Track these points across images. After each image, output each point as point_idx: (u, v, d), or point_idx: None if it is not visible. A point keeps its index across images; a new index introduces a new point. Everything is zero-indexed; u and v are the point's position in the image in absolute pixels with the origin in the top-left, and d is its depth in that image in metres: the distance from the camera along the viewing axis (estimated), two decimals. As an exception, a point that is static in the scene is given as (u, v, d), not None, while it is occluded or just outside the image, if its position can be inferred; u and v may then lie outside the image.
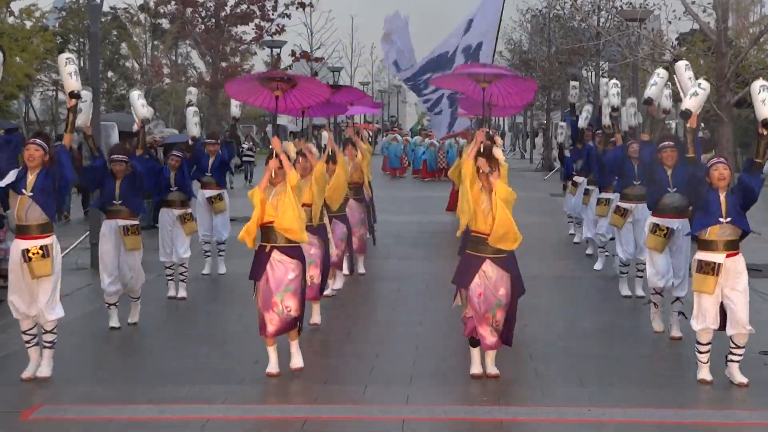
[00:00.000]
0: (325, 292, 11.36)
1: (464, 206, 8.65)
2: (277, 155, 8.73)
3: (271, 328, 8.72)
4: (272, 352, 8.85)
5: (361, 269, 14.23)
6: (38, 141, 8.83)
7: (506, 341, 8.74)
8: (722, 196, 8.54)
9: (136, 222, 10.84)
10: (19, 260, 8.69)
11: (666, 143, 10.26)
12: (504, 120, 74.20)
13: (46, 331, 8.84)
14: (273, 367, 8.81)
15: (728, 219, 8.51)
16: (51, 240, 8.76)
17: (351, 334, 10.68)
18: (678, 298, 10.30)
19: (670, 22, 18.25)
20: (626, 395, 8.33)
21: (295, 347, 8.97)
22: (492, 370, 8.75)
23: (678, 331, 10.25)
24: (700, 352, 8.66)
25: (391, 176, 37.21)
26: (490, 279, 8.60)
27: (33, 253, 8.62)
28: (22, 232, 8.72)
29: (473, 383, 8.59)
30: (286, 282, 8.73)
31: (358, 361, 9.48)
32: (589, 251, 15.76)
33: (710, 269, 8.51)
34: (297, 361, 8.96)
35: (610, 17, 30.53)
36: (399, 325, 11.09)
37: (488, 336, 8.63)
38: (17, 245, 8.72)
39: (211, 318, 11.67)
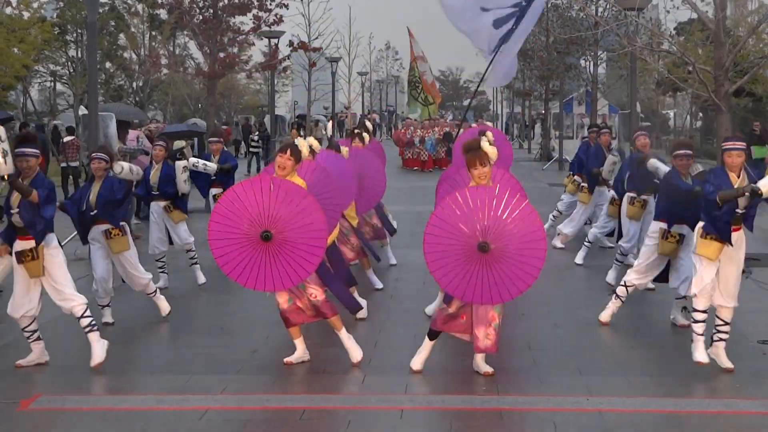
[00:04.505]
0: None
1: None
2: None
3: (300, 317, 8.84)
4: (300, 343, 8.97)
5: (392, 260, 14.16)
6: (28, 151, 8.55)
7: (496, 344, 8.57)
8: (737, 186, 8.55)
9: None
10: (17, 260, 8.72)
11: (682, 151, 9.95)
12: (502, 110, 74.12)
13: (78, 317, 8.77)
14: (299, 355, 8.89)
15: (743, 210, 8.63)
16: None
17: (349, 324, 10.66)
18: (684, 297, 10.27)
19: (668, 12, 18.24)
20: (625, 384, 8.33)
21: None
22: (487, 368, 8.55)
23: (684, 320, 10.24)
24: (696, 321, 8.64)
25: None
26: None
27: (24, 256, 8.63)
28: (19, 233, 8.69)
29: (472, 373, 8.58)
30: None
31: (356, 350, 9.46)
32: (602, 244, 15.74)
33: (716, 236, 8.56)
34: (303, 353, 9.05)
35: (608, 6, 30.44)
36: (397, 315, 11.08)
37: (483, 339, 8.41)
38: (15, 246, 8.73)
39: (210, 308, 11.66)
